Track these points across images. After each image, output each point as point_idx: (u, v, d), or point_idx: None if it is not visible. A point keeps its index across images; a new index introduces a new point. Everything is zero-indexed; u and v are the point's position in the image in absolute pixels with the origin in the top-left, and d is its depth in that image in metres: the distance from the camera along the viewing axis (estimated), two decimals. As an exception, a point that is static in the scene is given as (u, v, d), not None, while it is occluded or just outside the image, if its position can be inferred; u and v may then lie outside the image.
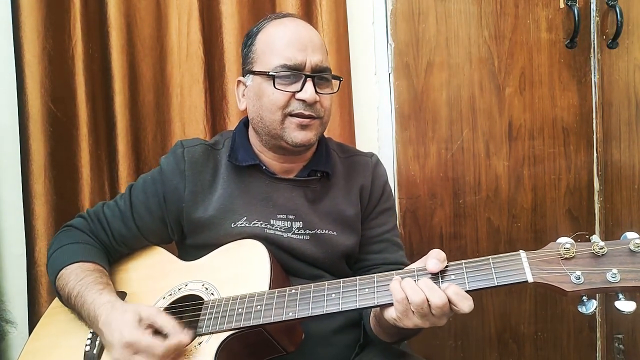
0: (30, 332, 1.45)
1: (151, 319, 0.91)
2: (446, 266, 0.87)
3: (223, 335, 0.93)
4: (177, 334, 0.89)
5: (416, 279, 0.86)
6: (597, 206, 1.75)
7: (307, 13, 1.59)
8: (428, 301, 0.82)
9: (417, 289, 0.83)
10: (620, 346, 1.78)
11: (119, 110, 1.50)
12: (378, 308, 0.91)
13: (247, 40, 1.13)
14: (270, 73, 1.04)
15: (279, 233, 1.08)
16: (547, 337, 1.77)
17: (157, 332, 0.91)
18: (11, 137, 1.49)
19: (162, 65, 1.57)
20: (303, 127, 1.05)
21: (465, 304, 0.82)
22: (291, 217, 1.09)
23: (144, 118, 1.57)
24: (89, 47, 1.49)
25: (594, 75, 1.72)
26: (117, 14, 1.49)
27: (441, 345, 1.74)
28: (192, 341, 0.92)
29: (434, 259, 0.86)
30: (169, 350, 0.88)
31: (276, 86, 1.04)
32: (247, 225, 1.07)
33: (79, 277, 1.02)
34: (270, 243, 1.06)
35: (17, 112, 1.44)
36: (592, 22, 1.71)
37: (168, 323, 0.91)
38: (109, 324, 0.92)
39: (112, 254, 1.14)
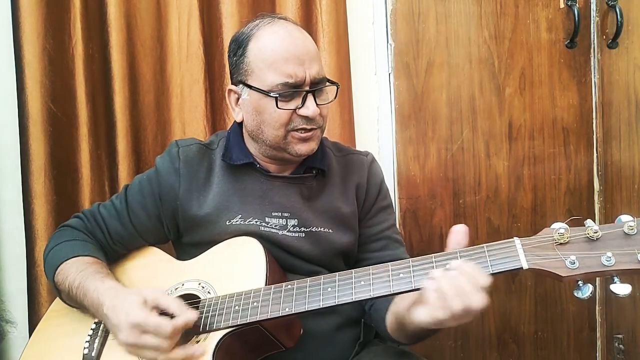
0: (30, 332, 1.45)
1: (156, 300, 0.93)
2: (441, 255, 0.86)
3: (221, 333, 0.93)
4: (184, 312, 0.91)
5: (412, 272, 0.85)
6: (597, 206, 1.75)
7: (307, 13, 1.59)
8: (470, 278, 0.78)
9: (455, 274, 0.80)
10: (620, 346, 1.78)
11: (119, 110, 1.50)
12: (402, 309, 0.90)
13: (237, 49, 1.07)
14: (272, 94, 1.01)
15: (274, 230, 1.08)
16: (547, 337, 1.77)
17: (163, 314, 0.92)
18: (11, 137, 1.49)
19: (162, 65, 1.57)
20: (306, 139, 1.05)
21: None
22: (286, 214, 1.09)
23: (144, 118, 1.57)
24: (89, 47, 1.49)
25: (594, 75, 1.72)
26: (117, 14, 1.49)
27: (441, 345, 1.74)
28: (198, 320, 0.93)
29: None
30: (177, 328, 0.89)
31: (279, 106, 1.02)
32: (242, 222, 1.07)
33: (79, 268, 1.03)
34: (265, 240, 1.05)
35: (17, 112, 1.44)
36: (592, 22, 1.70)
37: (173, 303, 0.93)
38: (114, 308, 0.93)
39: (109, 254, 1.14)
